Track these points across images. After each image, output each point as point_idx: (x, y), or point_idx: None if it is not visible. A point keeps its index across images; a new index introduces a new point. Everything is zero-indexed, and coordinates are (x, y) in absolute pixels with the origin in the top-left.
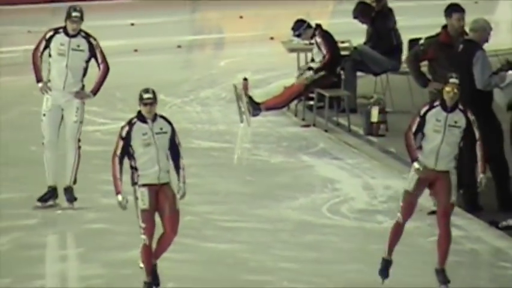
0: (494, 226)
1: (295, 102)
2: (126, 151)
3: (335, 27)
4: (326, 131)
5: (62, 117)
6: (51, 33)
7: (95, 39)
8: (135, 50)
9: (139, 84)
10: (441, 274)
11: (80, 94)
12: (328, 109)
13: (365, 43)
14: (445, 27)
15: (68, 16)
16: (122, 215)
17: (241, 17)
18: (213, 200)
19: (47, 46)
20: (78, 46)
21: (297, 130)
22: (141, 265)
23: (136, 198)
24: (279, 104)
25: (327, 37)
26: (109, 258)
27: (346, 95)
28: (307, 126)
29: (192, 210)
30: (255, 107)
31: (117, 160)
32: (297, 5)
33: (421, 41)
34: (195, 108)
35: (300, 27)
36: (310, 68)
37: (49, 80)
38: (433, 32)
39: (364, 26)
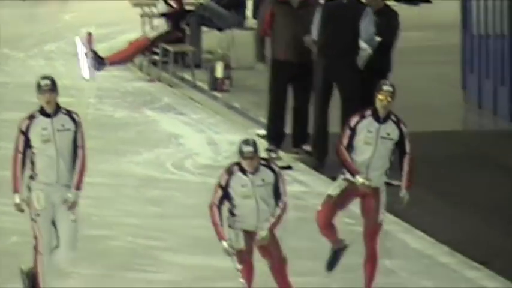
0: None
1: (140, 57)
2: (224, 199)
3: None
4: (171, 86)
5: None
6: (26, 122)
7: (77, 115)
8: None
9: None
10: None
11: (72, 205)
12: (173, 64)
13: None
14: None
15: (38, 87)
16: None
17: None
18: None
19: (27, 140)
20: (63, 125)
21: (142, 85)
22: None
23: (230, 240)
24: (123, 58)
25: None
26: None
27: (191, 50)
28: (152, 81)
29: None
30: (100, 62)
31: (215, 209)
32: None
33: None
34: (38, 62)
35: None
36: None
37: (34, 175)
38: None
39: None
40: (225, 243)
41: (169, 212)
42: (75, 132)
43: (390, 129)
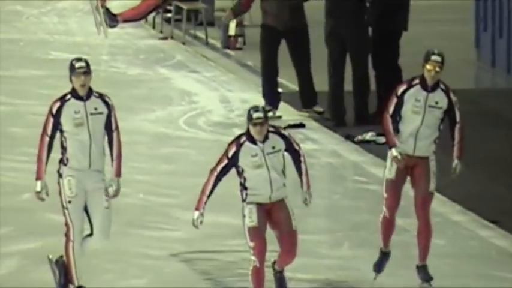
0: (350, 140)
1: (153, 14)
2: (227, 169)
3: None
4: (184, 43)
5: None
6: (57, 104)
7: (109, 98)
8: None
9: None
10: (423, 271)
11: (115, 193)
12: (186, 22)
13: None
14: None
15: (72, 69)
16: None
17: None
18: None
19: (56, 123)
20: (96, 109)
21: (155, 42)
22: None
23: (243, 216)
24: (136, 15)
25: None
26: None
27: (204, 8)
28: (165, 38)
29: None
30: (112, 19)
31: (213, 177)
32: None
33: None
34: (51, 19)
35: None
36: None
37: (66, 160)
38: None
39: None
40: (196, 213)
41: (182, 170)
42: (108, 116)
43: (439, 98)
